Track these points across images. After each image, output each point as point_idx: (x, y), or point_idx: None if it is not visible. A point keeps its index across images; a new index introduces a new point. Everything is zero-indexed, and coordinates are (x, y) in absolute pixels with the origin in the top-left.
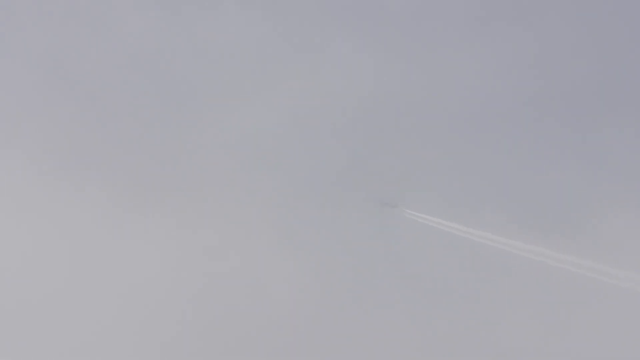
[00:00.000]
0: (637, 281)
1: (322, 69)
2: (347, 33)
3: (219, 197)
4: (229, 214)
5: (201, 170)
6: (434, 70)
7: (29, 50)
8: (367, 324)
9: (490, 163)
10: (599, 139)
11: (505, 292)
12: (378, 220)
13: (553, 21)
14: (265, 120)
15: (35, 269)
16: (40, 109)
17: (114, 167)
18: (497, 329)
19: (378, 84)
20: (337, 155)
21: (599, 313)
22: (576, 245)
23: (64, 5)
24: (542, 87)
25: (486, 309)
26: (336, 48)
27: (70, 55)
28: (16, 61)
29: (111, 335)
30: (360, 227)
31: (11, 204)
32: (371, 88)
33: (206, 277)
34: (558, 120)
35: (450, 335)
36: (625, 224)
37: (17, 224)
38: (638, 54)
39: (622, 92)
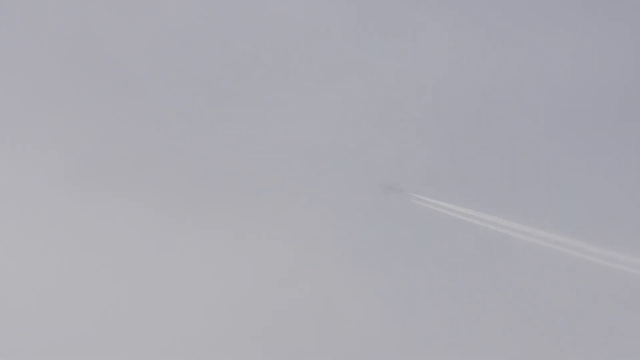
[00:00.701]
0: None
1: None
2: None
3: (283, 207)
4: (295, 228)
5: (263, 176)
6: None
7: (49, 32)
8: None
9: (509, 152)
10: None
11: (517, 280)
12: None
13: None
14: (332, 115)
15: (68, 287)
16: (64, 104)
17: (156, 173)
18: (510, 319)
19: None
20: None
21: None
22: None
23: None
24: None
25: (496, 298)
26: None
27: (101, 37)
28: (36, 45)
29: None
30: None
31: (37, 216)
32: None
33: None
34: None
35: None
36: None
37: (46, 237)
38: None
39: None
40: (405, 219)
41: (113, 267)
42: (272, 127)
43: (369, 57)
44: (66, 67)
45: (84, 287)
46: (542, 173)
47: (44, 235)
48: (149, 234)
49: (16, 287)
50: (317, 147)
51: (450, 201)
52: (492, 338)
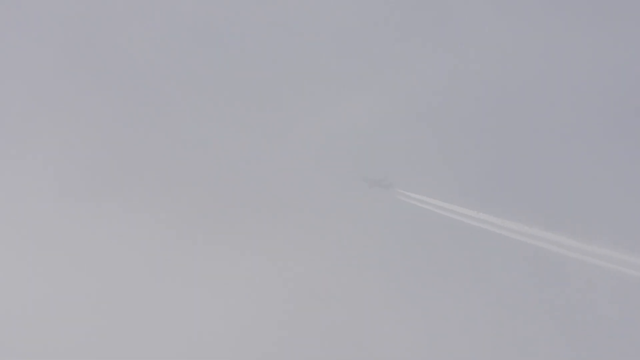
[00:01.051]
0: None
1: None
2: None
3: (310, 220)
4: (322, 243)
5: (287, 185)
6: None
7: (56, 42)
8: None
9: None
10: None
11: (506, 277)
12: None
13: None
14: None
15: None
16: (73, 113)
17: (172, 184)
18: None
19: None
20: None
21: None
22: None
23: None
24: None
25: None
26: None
27: (112, 45)
28: (45, 52)
29: None
30: None
31: (44, 227)
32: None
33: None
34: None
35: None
36: None
37: (53, 249)
38: None
39: None
40: (395, 215)
41: (130, 284)
42: (277, 131)
43: (365, 57)
44: (74, 74)
45: (98, 304)
46: (530, 171)
47: (51, 247)
48: (168, 249)
49: (22, 300)
50: (314, 149)
51: (446, 200)
52: (482, 334)
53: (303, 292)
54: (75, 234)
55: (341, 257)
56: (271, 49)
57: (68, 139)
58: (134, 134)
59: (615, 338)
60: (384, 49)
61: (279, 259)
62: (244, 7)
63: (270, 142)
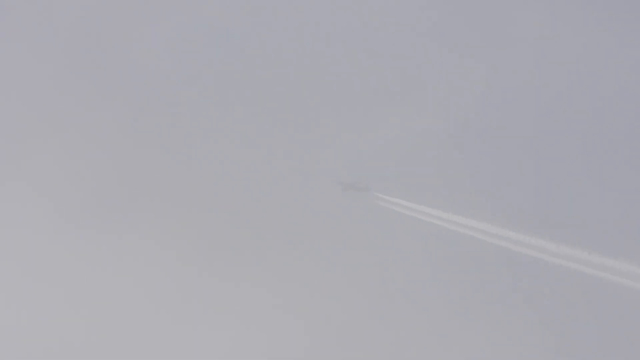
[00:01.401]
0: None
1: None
2: None
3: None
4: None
5: (301, 208)
6: None
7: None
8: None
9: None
10: None
11: (492, 281)
12: None
13: None
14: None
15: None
16: (72, 124)
17: (180, 212)
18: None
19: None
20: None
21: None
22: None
23: None
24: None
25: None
26: None
27: (119, 42)
28: (55, 66)
29: None
30: None
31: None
32: None
33: None
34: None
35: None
36: None
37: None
38: None
39: None
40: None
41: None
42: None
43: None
44: (75, 85)
45: (102, 339)
46: (509, 174)
47: (49, 278)
48: (175, 277)
49: (20, 337)
50: (333, 170)
51: (427, 204)
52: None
53: (313, 323)
54: (76, 264)
55: (357, 286)
56: (285, 55)
57: (68, 159)
58: (141, 156)
59: (613, 350)
60: (407, 58)
61: (296, 287)
62: (263, 14)
63: (290, 164)
